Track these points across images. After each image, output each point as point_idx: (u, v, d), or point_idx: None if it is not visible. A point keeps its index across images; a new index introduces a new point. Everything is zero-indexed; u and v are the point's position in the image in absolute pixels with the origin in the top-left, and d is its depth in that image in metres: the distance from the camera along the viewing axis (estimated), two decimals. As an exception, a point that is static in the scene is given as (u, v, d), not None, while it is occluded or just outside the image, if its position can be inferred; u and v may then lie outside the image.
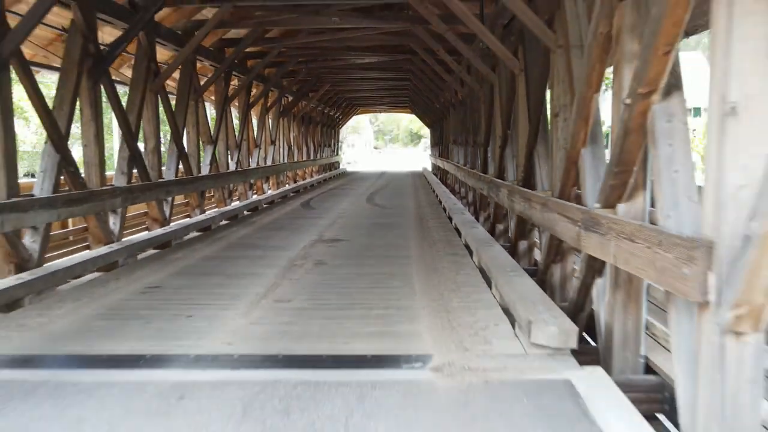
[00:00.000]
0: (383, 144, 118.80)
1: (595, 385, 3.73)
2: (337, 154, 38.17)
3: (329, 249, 8.97)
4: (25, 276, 6.09)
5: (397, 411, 3.43)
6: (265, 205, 15.60)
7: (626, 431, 3.18)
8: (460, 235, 9.68)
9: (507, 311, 5.23)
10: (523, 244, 8.20)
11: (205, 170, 12.83)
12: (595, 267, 4.80)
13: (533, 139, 7.31)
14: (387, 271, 7.28)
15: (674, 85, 3.66)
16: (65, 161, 7.37)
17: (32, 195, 6.98)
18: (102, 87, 8.48)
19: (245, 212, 13.95)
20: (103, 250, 7.69)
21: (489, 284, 6.28)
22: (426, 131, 55.30)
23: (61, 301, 5.86)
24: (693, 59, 52.02)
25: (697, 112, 43.67)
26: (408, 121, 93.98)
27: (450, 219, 11.78)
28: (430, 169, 33.66)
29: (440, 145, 27.40)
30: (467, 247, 8.55)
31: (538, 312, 4.54)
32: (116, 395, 3.67)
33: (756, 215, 2.65)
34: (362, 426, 3.25)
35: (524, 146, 7.63)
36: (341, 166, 38.62)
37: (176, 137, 11.15)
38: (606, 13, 4.42)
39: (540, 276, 6.47)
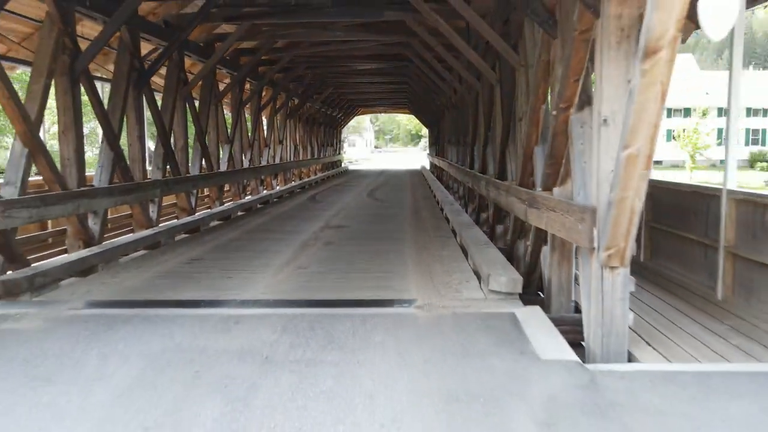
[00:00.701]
0: (383, 143, 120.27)
1: (531, 317, 5.25)
2: (339, 153, 39.67)
3: (336, 233, 10.52)
4: (96, 249, 7.62)
5: (389, 328, 4.96)
6: (275, 199, 17.12)
7: (546, 343, 4.68)
8: (449, 222, 11.21)
9: (477, 273, 6.76)
10: (499, 228, 9.71)
11: (223, 167, 14.34)
12: (541, 237, 6.32)
13: (505, 140, 8.82)
14: (384, 248, 8.83)
15: (585, 101, 5.16)
16: (117, 158, 8.89)
17: (93, 185, 8.49)
18: (144, 96, 9.99)
19: (258, 205, 15.46)
20: (149, 231, 9.24)
21: (467, 257, 7.81)
22: (425, 131, 56.78)
23: (125, 268, 7.41)
24: (685, 61, 53.27)
25: (687, 112, 45.18)
26: (407, 121, 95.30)
27: (442, 210, 13.32)
28: (428, 167, 35.16)
29: (437, 145, 28.90)
30: (453, 231, 10.08)
31: (496, 269, 6.08)
32: (190, 321, 5.21)
33: (613, 188, 4.17)
34: (365, 335, 4.79)
35: (499, 145, 9.14)
36: (343, 165, 40.13)
37: (200, 137, 12.66)
38: (545, 46, 5.94)
39: (508, 250, 7.98)
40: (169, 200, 12.80)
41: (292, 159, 23.12)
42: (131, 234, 9.44)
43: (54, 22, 7.40)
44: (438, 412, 3.49)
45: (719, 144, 48.30)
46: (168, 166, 10.96)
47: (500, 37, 7.89)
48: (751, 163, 47.73)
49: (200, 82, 13.16)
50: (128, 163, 9.60)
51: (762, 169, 46.59)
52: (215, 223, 12.17)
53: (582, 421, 3.42)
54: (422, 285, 6.47)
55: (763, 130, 48.23)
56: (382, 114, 73.76)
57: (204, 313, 5.50)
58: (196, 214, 12.06)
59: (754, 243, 5.95)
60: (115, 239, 8.88)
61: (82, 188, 7.88)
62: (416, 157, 60.13)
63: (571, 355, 4.33)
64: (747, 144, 48.44)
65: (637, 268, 7.47)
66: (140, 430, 3.34)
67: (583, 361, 4.30)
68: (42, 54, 7.38)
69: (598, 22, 4.40)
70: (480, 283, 6.34)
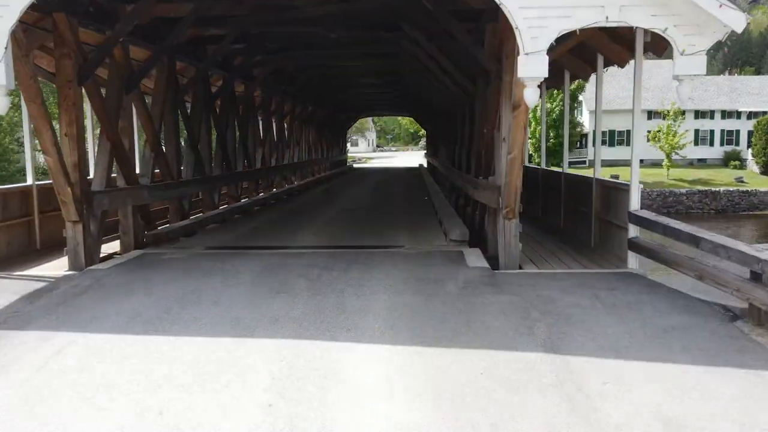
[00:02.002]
0: (385, 143, 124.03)
1: (471, 252, 9.00)
2: (344, 153, 43.44)
3: (350, 213, 14.33)
4: (194, 219, 11.40)
5: (388, 256, 8.74)
6: (296, 192, 20.90)
7: (474, 261, 8.39)
8: (434, 206, 14.98)
9: (445, 233, 10.52)
10: (468, 209, 13.45)
11: (257, 166, 18.08)
12: (485, 209, 10.06)
13: (479, 144, 12.53)
14: (386, 220, 12.63)
15: (498, 126, 8.87)
16: (197, 159, 12.61)
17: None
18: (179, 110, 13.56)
19: (284, 196, 19.23)
20: (218, 210, 13.01)
21: (441, 225, 11.58)
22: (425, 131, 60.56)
23: (214, 233, 11.21)
24: (666, 67, 56.83)
25: (665, 114, 48.54)
26: (408, 122, 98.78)
27: (430, 198, 17.10)
28: (425, 165, 38.96)
29: (432, 146, 32.67)
30: (436, 211, 13.84)
31: (455, 228, 9.86)
32: (271, 255, 8.98)
33: (506, 176, 7.90)
34: (374, 258, 8.55)
35: (466, 149, 12.90)
36: (348, 164, 43.92)
37: (243, 141, 16.41)
38: (495, 88, 9.66)
39: (469, 220, 11.70)
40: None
41: (306, 158, 26.87)
42: (210, 212, 13.10)
43: (163, 69, 11.13)
44: (413, 284, 7.25)
45: (695, 144, 52.03)
46: (216, 165, 14.69)
47: (466, 78, 11.64)
48: (725, 161, 51.38)
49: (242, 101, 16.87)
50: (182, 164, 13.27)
51: (734, 167, 50.25)
52: (256, 208, 15.93)
53: (481, 288, 7.17)
54: (409, 239, 10.27)
55: (737, 131, 51.87)
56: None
57: (281, 251, 9.29)
58: (241, 200, 15.80)
59: (608, 209, 9.62)
60: (199, 215, 12.62)
61: (182, 179, 11.64)
62: (416, 157, 63.72)
63: (485, 264, 8.09)
64: (722, 144, 52.10)
65: (557, 231, 11.30)
66: (272, 292, 7.06)
67: (493, 269, 8.04)
68: (158, 88, 11.13)
69: (503, 84, 8.16)
70: (445, 237, 10.11)
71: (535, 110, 42.74)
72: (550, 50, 6.55)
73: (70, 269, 8.31)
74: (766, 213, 43.37)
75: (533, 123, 43.85)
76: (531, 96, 6.70)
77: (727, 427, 4.03)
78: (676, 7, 6.39)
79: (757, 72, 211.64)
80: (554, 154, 46.51)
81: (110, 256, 9.38)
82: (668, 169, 47.28)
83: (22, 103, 9.00)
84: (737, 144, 52.08)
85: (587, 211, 10.17)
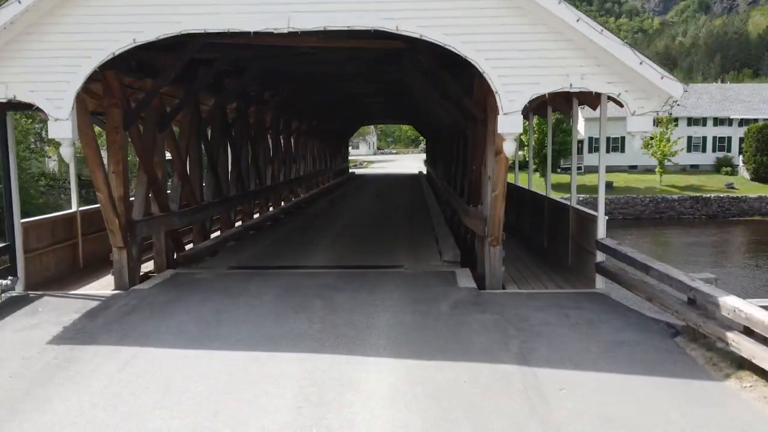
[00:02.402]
0: (386, 145, 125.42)
1: (462, 273, 10.33)
2: (346, 161, 44.82)
3: (355, 228, 15.71)
4: (214, 239, 12.73)
5: (391, 276, 10.11)
6: (303, 204, 22.25)
7: (464, 282, 9.72)
8: (432, 223, 16.31)
9: (439, 252, 11.85)
10: (462, 228, 14.79)
11: (267, 183, 19.43)
12: (475, 233, 11.39)
13: (470, 175, 13.85)
14: (387, 237, 13.98)
15: (485, 163, 10.20)
16: (217, 183, 13.96)
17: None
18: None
19: (292, 210, 20.58)
20: (235, 229, 14.34)
21: (437, 243, 12.91)
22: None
23: (235, 251, 12.55)
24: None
25: (658, 121, 49.69)
26: (408, 127, 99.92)
27: (428, 210, 18.46)
28: (424, 172, 40.34)
29: (432, 156, 34.03)
30: (433, 228, 15.17)
31: (448, 249, 11.20)
32: (288, 275, 10.32)
33: (490, 209, 9.24)
34: (380, 278, 9.89)
35: (461, 175, 14.23)
36: (350, 170, 45.30)
37: (255, 161, 17.75)
38: (481, 133, 11.00)
39: (462, 240, 13.03)
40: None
41: (312, 169, 28.22)
42: (228, 231, 14.42)
43: (190, 107, 12.47)
44: (411, 304, 8.59)
45: (688, 151, 53.35)
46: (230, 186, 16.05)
47: (461, 112, 12.97)
48: (717, 168, 52.71)
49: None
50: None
51: (726, 173, 51.60)
52: (269, 223, 17.27)
53: (469, 307, 8.50)
54: (409, 257, 11.65)
55: (729, 138, 53.18)
56: (384, 120, 78.64)
57: (297, 271, 10.62)
58: (254, 216, 17.14)
59: (581, 235, 10.92)
60: (218, 235, 13.94)
61: (204, 203, 12.99)
62: (416, 162, 64.93)
63: (473, 285, 9.42)
64: (714, 150, 53.43)
65: (541, 250, 12.62)
66: (293, 311, 8.38)
67: (480, 289, 9.37)
68: (184, 124, 12.47)
69: (488, 131, 9.49)
70: (440, 257, 11.44)
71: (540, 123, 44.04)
72: (527, 107, 7.91)
73: (116, 288, 9.66)
74: (755, 218, 44.75)
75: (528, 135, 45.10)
76: (509, 148, 8.06)
77: (653, 422, 5.37)
78: (627, 77, 7.73)
79: (755, 74, 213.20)
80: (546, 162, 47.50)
81: (147, 276, 10.71)
82: (661, 175, 48.59)
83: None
84: (729, 150, 53.40)
85: (565, 234, 11.48)
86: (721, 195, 45.83)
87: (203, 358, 6.84)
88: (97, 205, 10.48)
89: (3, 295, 9.39)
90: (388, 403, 5.72)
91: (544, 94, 7.90)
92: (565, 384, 6.14)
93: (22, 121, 45.90)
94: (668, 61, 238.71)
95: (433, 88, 13.41)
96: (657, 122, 49.46)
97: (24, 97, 8.16)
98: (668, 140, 48.11)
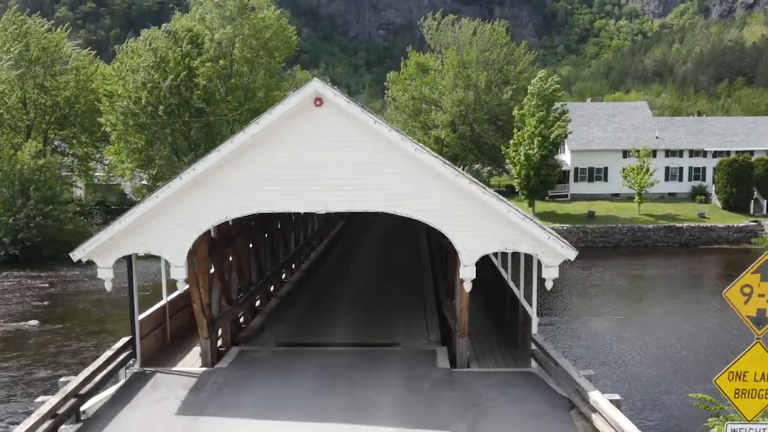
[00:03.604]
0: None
1: (441, 352, 14.81)
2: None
3: (358, 303, 20.15)
4: (258, 319, 17.21)
5: (388, 353, 14.62)
6: (313, 266, 26.66)
7: (442, 361, 14.19)
8: (423, 296, 20.73)
9: (427, 331, 16.36)
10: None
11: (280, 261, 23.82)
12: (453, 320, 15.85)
13: (450, 273, 18.27)
14: (387, 311, 18.42)
15: (455, 282, 14.67)
16: (227, 294, 18.45)
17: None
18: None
19: (306, 276, 24.97)
20: (272, 306, 18.82)
21: (426, 317, 17.39)
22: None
23: (273, 325, 17.03)
24: (640, 108, 62.68)
25: (638, 153, 54.18)
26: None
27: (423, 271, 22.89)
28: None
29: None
30: (424, 298, 19.60)
31: (433, 329, 15.73)
32: (319, 354, 14.81)
33: (457, 311, 13.72)
34: (381, 357, 14.39)
35: (449, 276, 18.65)
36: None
37: (271, 254, 22.20)
38: (453, 261, 15.48)
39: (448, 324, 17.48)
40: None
41: (310, 236, 32.51)
42: (267, 309, 18.78)
43: (242, 234, 16.93)
44: (404, 382, 13.08)
45: (666, 180, 57.87)
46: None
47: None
48: (693, 195, 57.19)
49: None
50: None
51: (700, 201, 56.08)
52: (286, 294, 21.71)
53: (443, 385, 13.00)
54: (405, 330, 16.13)
55: (704, 168, 57.57)
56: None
57: (326, 349, 15.11)
58: (279, 291, 21.58)
59: (526, 323, 15.31)
60: (258, 318, 18.32)
61: (252, 290, 17.46)
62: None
63: (447, 365, 13.90)
64: (690, 179, 57.86)
65: (504, 325, 17.10)
66: (328, 389, 12.86)
67: (452, 368, 13.84)
68: (239, 244, 16.95)
69: (456, 263, 13.95)
70: (428, 336, 15.93)
71: (534, 129, 48.63)
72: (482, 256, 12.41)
73: (203, 365, 14.14)
74: (723, 246, 49.29)
75: (524, 144, 49.82)
76: (467, 286, 12.56)
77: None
78: (541, 244, 12.20)
79: (750, 82, 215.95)
80: (534, 193, 52.42)
81: (218, 350, 15.16)
82: (639, 204, 53.09)
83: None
84: (703, 179, 57.91)
85: (517, 319, 15.94)
86: (693, 225, 50.33)
87: (285, 426, 11.28)
88: (176, 293, 15.10)
89: (127, 371, 13.88)
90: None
91: (490, 252, 12.38)
92: (497, 444, 10.66)
93: (55, 155, 50.52)
94: (665, 69, 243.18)
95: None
96: (634, 154, 53.97)
97: (155, 252, 12.68)
98: (647, 171, 52.59)
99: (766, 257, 7.60)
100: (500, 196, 12.30)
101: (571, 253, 12.22)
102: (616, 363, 22.55)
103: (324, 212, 12.64)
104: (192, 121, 42.20)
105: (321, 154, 12.27)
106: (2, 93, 48.89)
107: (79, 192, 58.67)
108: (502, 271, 18.08)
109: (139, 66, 42.77)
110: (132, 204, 55.22)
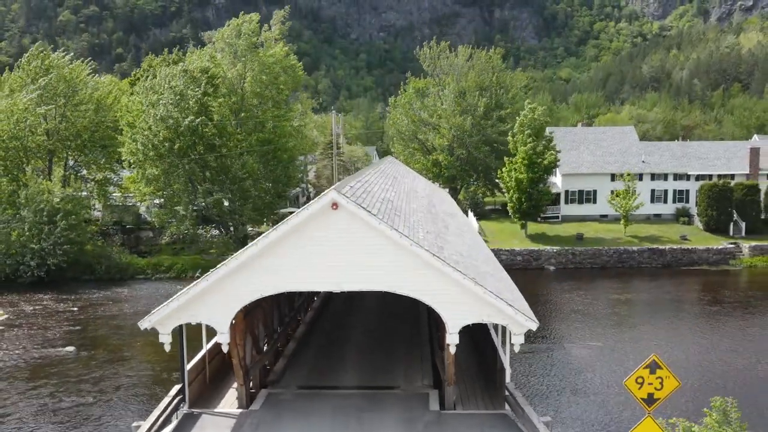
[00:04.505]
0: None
1: (432, 395, 18.13)
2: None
3: (363, 352, 23.48)
4: (280, 366, 20.52)
5: (389, 395, 17.95)
6: (320, 309, 29.95)
7: (433, 404, 17.53)
8: (420, 344, 24.02)
9: (422, 375, 19.68)
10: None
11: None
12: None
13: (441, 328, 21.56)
14: (389, 354, 21.74)
15: (443, 341, 17.98)
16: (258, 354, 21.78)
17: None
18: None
19: (314, 318, 28.25)
20: (290, 352, 22.13)
21: (421, 362, 20.70)
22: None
23: (292, 368, 20.36)
24: (627, 133, 66.05)
25: (624, 176, 57.50)
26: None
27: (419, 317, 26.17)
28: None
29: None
30: (421, 346, 22.88)
31: (426, 374, 19.06)
32: (336, 396, 18.13)
33: (445, 364, 17.02)
34: (383, 399, 17.73)
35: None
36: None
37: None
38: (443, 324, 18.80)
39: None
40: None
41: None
42: (286, 355, 22.11)
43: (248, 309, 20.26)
44: (402, 424, 16.41)
45: (651, 202, 61.18)
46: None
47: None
48: (677, 217, 60.50)
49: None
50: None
51: (684, 222, 59.42)
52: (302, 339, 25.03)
53: (433, 427, 16.33)
54: (403, 381, 19.43)
55: (687, 191, 60.84)
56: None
57: (339, 392, 18.43)
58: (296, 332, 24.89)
59: (503, 370, 18.58)
60: (283, 353, 21.65)
61: (275, 338, 20.77)
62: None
63: (437, 408, 17.23)
64: (674, 201, 61.17)
65: (492, 373, 20.46)
66: (344, 428, 16.18)
67: (442, 410, 17.16)
68: (264, 304, 20.26)
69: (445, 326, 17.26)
70: (422, 380, 19.25)
71: (524, 158, 51.88)
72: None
73: (239, 407, 17.45)
74: (703, 267, 52.62)
75: (517, 171, 53.12)
76: (452, 349, 15.86)
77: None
78: (510, 318, 15.49)
79: (745, 88, 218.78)
80: (526, 216, 55.72)
81: (251, 393, 18.46)
82: (625, 226, 56.39)
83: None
84: (687, 201, 61.22)
85: (496, 365, 19.22)
86: (675, 247, 53.62)
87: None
88: (212, 343, 18.50)
89: (178, 413, 17.19)
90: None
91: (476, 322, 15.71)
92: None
93: (78, 181, 53.75)
94: (662, 74, 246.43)
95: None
96: (620, 179, 57.26)
97: (205, 322, 16.02)
98: (633, 192, 55.89)
99: (653, 358, 10.93)
100: (477, 281, 15.60)
101: (533, 325, 15.50)
102: (587, 392, 25.83)
103: (339, 290, 16.00)
104: (207, 156, 45.48)
105: (337, 245, 15.57)
106: (30, 126, 52.16)
107: (97, 213, 61.93)
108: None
109: (158, 102, 46.05)
110: (146, 223, 57.87)
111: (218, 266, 15.90)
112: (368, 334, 24.61)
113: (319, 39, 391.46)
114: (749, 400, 23.87)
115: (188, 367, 17.73)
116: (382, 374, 20.10)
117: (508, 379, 17.32)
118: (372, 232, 15.43)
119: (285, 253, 15.74)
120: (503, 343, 18.00)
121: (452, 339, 15.86)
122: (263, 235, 15.82)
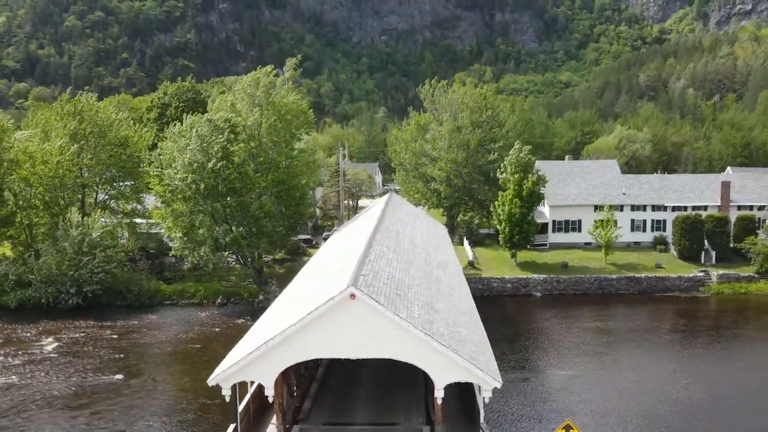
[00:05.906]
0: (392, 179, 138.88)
1: (425, 429, 23.71)
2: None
3: (368, 389, 29.10)
4: (306, 407, 26.09)
5: (393, 434, 23.58)
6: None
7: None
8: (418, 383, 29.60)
9: (417, 413, 25.27)
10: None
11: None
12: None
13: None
14: (389, 393, 27.30)
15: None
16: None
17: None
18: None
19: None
20: (313, 392, 27.68)
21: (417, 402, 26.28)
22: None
23: (315, 407, 25.94)
24: (609, 167, 71.58)
25: (605, 207, 63.01)
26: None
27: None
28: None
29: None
30: (418, 385, 28.43)
31: (420, 413, 24.67)
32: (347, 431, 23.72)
33: (435, 411, 22.59)
34: (389, 436, 23.34)
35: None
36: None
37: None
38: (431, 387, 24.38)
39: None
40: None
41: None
42: (303, 407, 27.66)
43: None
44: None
45: (631, 230, 66.74)
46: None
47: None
48: (655, 245, 66.05)
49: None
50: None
51: (661, 250, 65.00)
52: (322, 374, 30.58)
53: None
54: (403, 418, 25.01)
55: (664, 221, 66.29)
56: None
57: (353, 428, 24.01)
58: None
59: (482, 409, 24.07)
60: (302, 412, 27.18)
61: (304, 388, 26.34)
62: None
63: (429, 442, 22.86)
64: (652, 230, 66.66)
65: (471, 406, 26.14)
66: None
67: (432, 443, 22.74)
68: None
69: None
70: (417, 418, 24.83)
71: (514, 195, 57.33)
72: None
73: (278, 442, 23.03)
74: (675, 294, 58.16)
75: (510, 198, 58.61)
76: (439, 401, 21.42)
77: None
78: (482, 378, 21.00)
79: (739, 98, 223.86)
80: (516, 246, 61.30)
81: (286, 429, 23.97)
82: (606, 255, 61.93)
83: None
84: (664, 230, 66.77)
85: (475, 409, 24.66)
86: (650, 275, 59.14)
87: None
88: (255, 387, 24.12)
89: (234, 444, 22.75)
90: None
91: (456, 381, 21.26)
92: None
93: (98, 216, 59.24)
94: (659, 83, 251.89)
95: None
96: (599, 211, 62.79)
97: (256, 380, 21.63)
98: (614, 223, 61.43)
99: (567, 422, 16.49)
100: (457, 350, 21.11)
101: (498, 384, 21.02)
102: (552, 420, 31.37)
103: (354, 358, 21.65)
104: (230, 200, 51.09)
105: (353, 326, 21.13)
106: (66, 165, 57.89)
107: (123, 241, 67.65)
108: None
109: (185, 147, 51.59)
110: (169, 249, 63.01)
111: (266, 341, 21.46)
112: (373, 378, 30.10)
113: (321, 43, 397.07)
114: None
115: (240, 408, 23.32)
116: (386, 412, 25.63)
117: (482, 420, 22.89)
118: (380, 315, 20.99)
119: (313, 329, 21.31)
120: (479, 392, 23.51)
121: (438, 393, 21.42)
122: (299, 318, 21.41)
